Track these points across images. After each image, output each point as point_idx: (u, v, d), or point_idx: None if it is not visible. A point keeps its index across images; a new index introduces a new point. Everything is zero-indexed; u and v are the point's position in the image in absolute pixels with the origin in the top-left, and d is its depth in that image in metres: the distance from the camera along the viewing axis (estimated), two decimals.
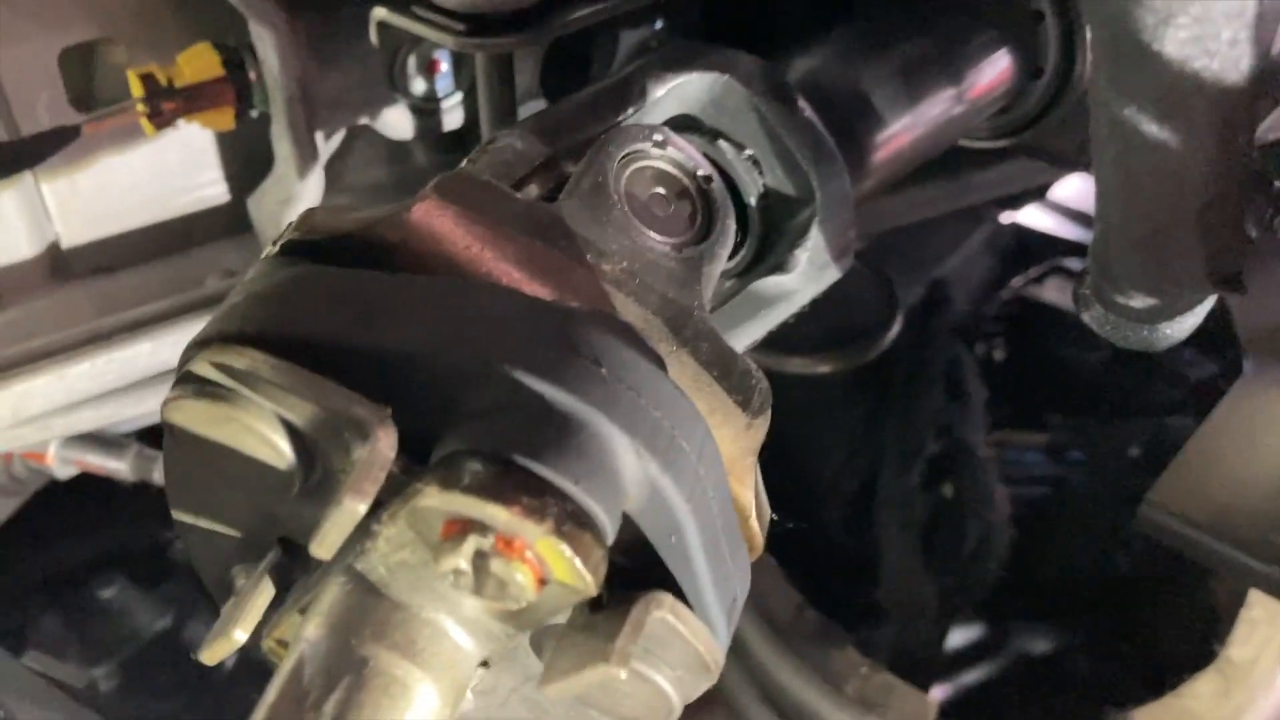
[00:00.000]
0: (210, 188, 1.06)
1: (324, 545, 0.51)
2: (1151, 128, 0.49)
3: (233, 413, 0.54)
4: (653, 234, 0.69)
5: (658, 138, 0.73)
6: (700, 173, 0.74)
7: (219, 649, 0.63)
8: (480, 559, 0.51)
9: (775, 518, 0.71)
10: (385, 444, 0.50)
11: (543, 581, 0.52)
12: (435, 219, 0.62)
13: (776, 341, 0.93)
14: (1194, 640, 1.25)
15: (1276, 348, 1.32)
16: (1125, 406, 1.54)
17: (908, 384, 1.40)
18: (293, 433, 0.54)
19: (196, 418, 0.55)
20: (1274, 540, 1.09)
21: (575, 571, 0.51)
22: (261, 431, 0.54)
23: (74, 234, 1.02)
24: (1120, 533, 1.37)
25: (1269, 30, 0.49)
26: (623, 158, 0.72)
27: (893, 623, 1.33)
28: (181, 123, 0.94)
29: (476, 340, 0.54)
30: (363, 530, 0.53)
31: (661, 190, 0.72)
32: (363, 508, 0.49)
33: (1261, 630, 1.21)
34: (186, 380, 0.56)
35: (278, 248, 0.62)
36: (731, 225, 0.74)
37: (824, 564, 1.34)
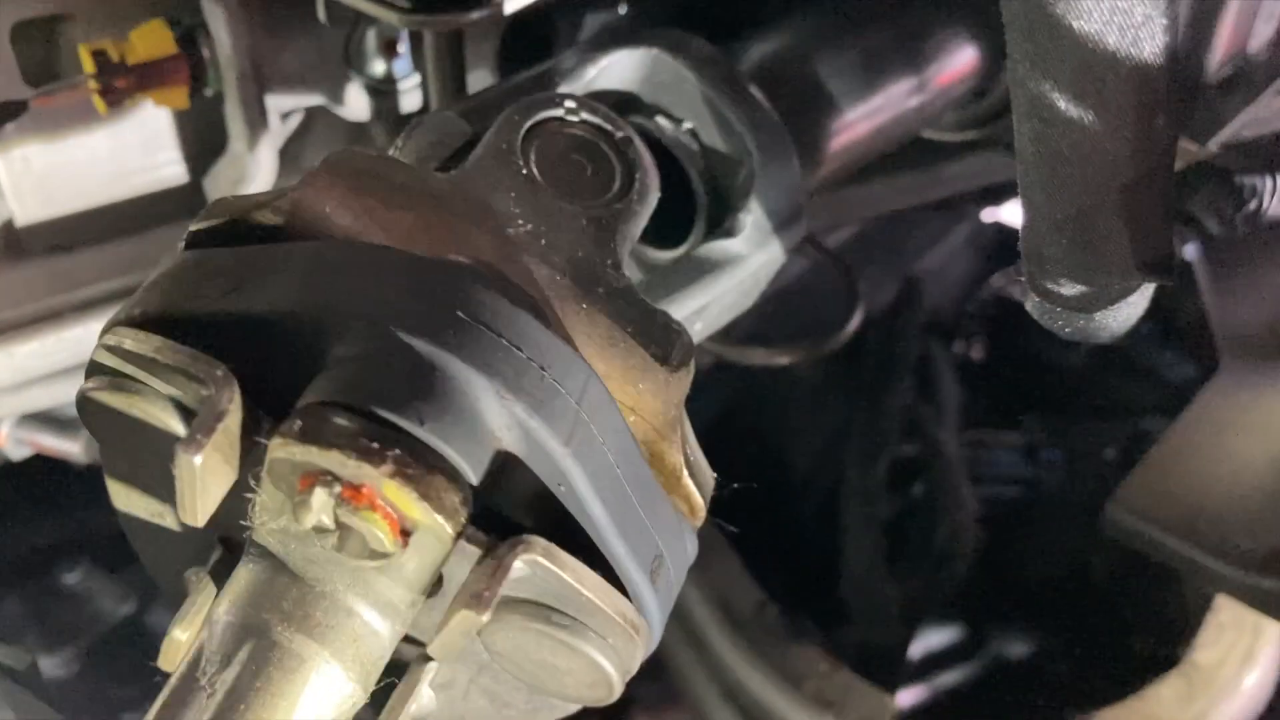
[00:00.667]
0: (168, 168, 1.05)
1: (185, 511, 0.50)
2: (1067, 106, 0.47)
3: (130, 399, 0.53)
4: (565, 197, 0.68)
5: (570, 104, 0.73)
6: (619, 135, 0.73)
7: (168, 651, 0.62)
8: (343, 515, 0.50)
9: (721, 523, 0.70)
10: (224, 398, 0.50)
11: (405, 534, 0.51)
12: (322, 194, 0.61)
13: (737, 333, 0.92)
14: (1163, 643, 1.25)
15: (1253, 350, 1.31)
16: (1102, 408, 1.53)
17: (876, 381, 1.39)
18: (189, 416, 0.53)
19: (102, 405, 0.54)
20: (1241, 544, 1.08)
21: (428, 514, 0.50)
22: (154, 412, 0.53)
23: (29, 211, 1.01)
24: (1093, 534, 1.35)
25: (1184, 10, 0.48)
26: (534, 125, 0.71)
27: (857, 622, 1.32)
28: (137, 101, 0.93)
29: (327, 294, 0.53)
30: (235, 496, 0.52)
31: (577, 156, 0.71)
32: (197, 459, 0.48)
33: (1228, 634, 1.20)
34: (94, 370, 0.55)
35: (186, 237, 0.61)
36: (650, 183, 0.72)
37: (790, 560, 1.33)
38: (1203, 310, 1.44)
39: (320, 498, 0.49)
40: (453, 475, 0.51)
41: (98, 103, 0.92)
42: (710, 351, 1.12)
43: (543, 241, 0.64)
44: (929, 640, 1.45)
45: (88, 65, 0.91)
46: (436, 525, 0.50)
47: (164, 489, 0.62)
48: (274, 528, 0.54)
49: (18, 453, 1.05)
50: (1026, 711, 1.35)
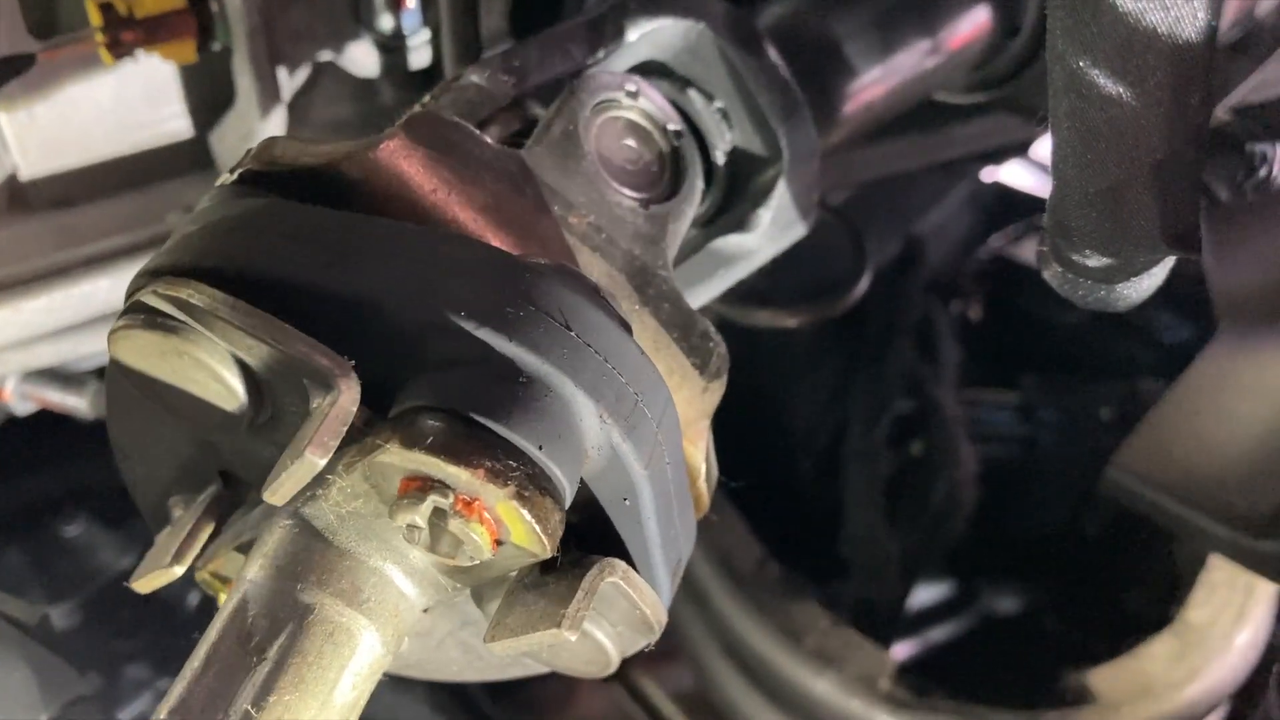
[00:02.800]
0: (173, 122, 1.04)
1: (278, 494, 0.50)
2: (1106, 82, 0.48)
3: (184, 347, 0.53)
4: (621, 188, 0.68)
5: (630, 88, 0.72)
6: (671, 127, 0.73)
7: (155, 579, 0.62)
8: (438, 516, 0.50)
9: (724, 479, 0.71)
10: (348, 398, 0.50)
11: (499, 542, 0.52)
12: (401, 159, 0.61)
13: (744, 294, 0.92)
14: (1156, 602, 1.26)
15: (1250, 312, 1.32)
16: (1099, 368, 1.54)
17: (878, 340, 1.39)
18: (245, 371, 0.53)
19: (145, 349, 0.54)
20: (1239, 507, 1.10)
21: (533, 535, 0.51)
22: (214, 369, 0.53)
23: (33, 166, 1.00)
24: (1088, 493, 1.37)
25: None
26: (594, 106, 0.70)
27: (856, 578, 1.34)
28: (142, 54, 0.92)
29: (444, 292, 0.52)
30: (316, 479, 0.52)
31: (631, 143, 0.71)
32: (323, 461, 0.49)
33: (1220, 593, 1.22)
34: (136, 310, 0.55)
35: (235, 176, 0.60)
36: (699, 184, 0.73)
37: (791, 518, 1.34)
38: (1201, 272, 1.45)
39: (429, 505, 0.50)
40: (558, 498, 0.52)
41: (104, 56, 0.91)
42: (713, 311, 1.12)
43: (602, 235, 0.64)
44: (921, 595, 1.46)
45: (95, 18, 0.90)
46: (539, 546, 0.51)
47: (187, 435, 0.62)
48: (345, 510, 0.54)
49: (22, 408, 1.05)
50: (1018, 667, 1.37)
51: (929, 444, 1.39)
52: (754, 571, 1.21)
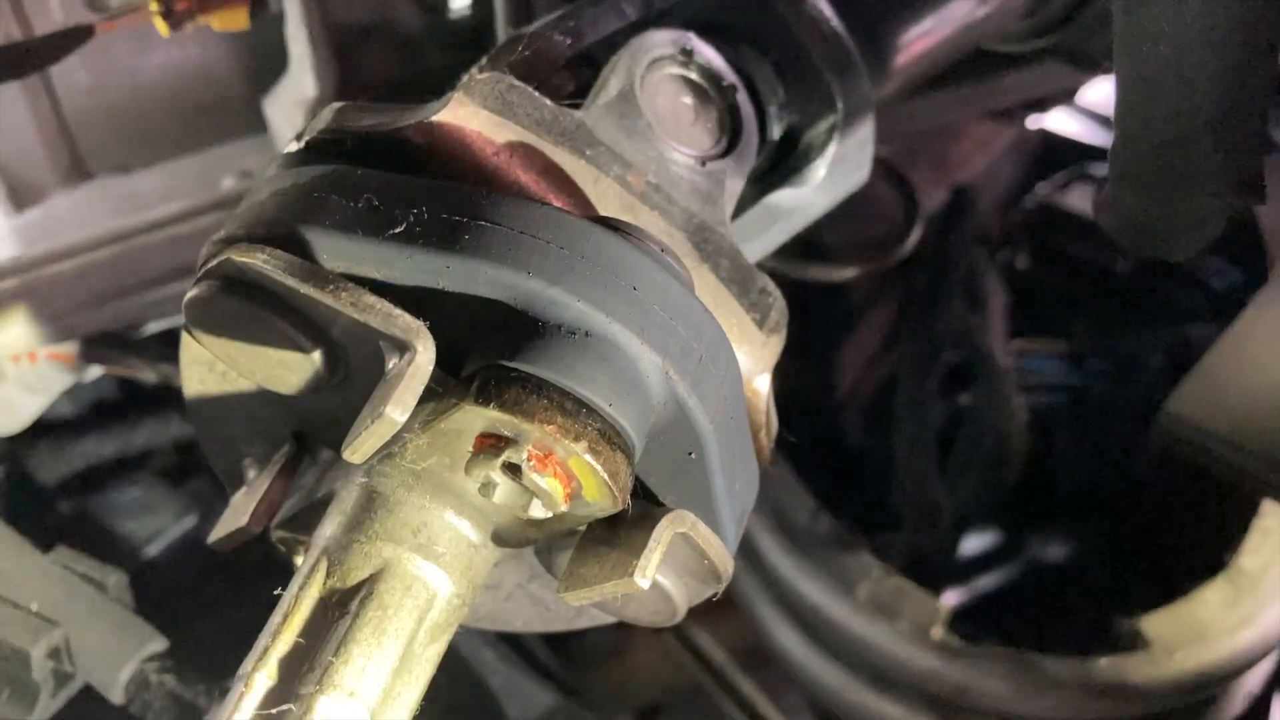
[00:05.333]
0: (226, 88, 1.05)
1: (358, 452, 0.52)
2: (1172, 32, 0.48)
3: (260, 312, 0.54)
4: (678, 146, 0.68)
5: (685, 45, 0.72)
6: (725, 83, 0.73)
7: (233, 538, 0.64)
8: (512, 471, 0.52)
9: (783, 431, 0.72)
10: (425, 357, 0.51)
11: (571, 496, 0.53)
12: (464, 123, 0.62)
13: (795, 248, 0.93)
14: (1207, 549, 1.26)
15: None
16: (1148, 315, 1.53)
17: (928, 292, 1.39)
18: (320, 335, 0.55)
19: (221, 314, 0.56)
20: None
21: (605, 489, 0.53)
22: (289, 332, 0.54)
23: (90, 135, 1.02)
24: (1138, 441, 1.36)
25: None
26: (649, 65, 0.71)
27: (907, 529, 1.34)
28: (198, 23, 0.93)
29: (511, 254, 0.53)
30: (393, 438, 0.54)
31: (687, 100, 0.71)
32: (403, 419, 0.50)
33: (1273, 540, 1.22)
34: (212, 275, 0.56)
35: (303, 143, 0.61)
36: (755, 140, 0.73)
37: (841, 470, 1.35)
38: (1251, 216, 1.43)
39: (504, 460, 0.51)
40: (629, 452, 0.53)
41: (160, 25, 0.92)
42: (765, 266, 1.13)
43: (661, 194, 0.65)
44: (971, 544, 1.47)
45: None
46: (611, 499, 0.53)
47: (260, 397, 0.64)
48: (420, 466, 0.56)
49: (88, 372, 1.08)
50: (1070, 615, 1.38)
51: (978, 395, 1.39)
52: (806, 523, 1.22)
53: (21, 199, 0.99)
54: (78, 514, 1.33)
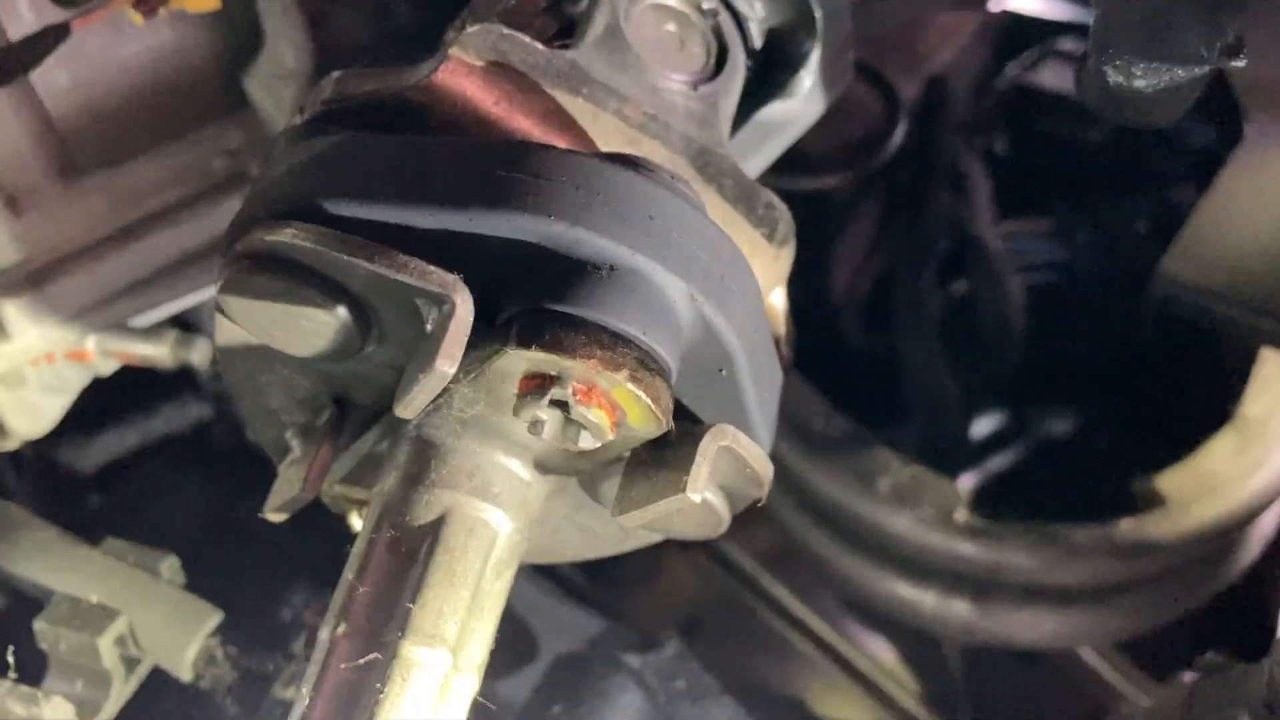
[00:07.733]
0: (205, 69, 1.05)
1: (411, 407, 0.54)
2: None
3: (293, 286, 0.56)
4: (669, 74, 0.70)
5: None
6: (706, 6, 0.74)
7: (289, 505, 0.67)
8: (559, 408, 0.55)
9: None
10: (464, 309, 0.54)
11: (617, 424, 0.56)
12: (462, 78, 0.63)
13: (784, 162, 0.94)
14: (1209, 405, 1.29)
15: (1277, 103, 1.32)
16: (1129, 182, 1.55)
17: (915, 186, 1.40)
18: (353, 300, 0.57)
19: (255, 294, 0.57)
20: None
21: (650, 414, 0.55)
22: (323, 302, 0.56)
23: (76, 131, 1.02)
24: (1132, 308, 1.39)
25: None
26: None
27: (917, 419, 1.37)
28: (171, 7, 0.94)
29: (529, 199, 0.55)
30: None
31: (671, 27, 0.73)
32: (453, 370, 0.52)
33: (1274, 386, 1.25)
34: (242, 256, 0.58)
35: (309, 115, 0.63)
36: (743, 58, 0.75)
37: (846, 371, 1.37)
38: (1223, 74, 1.44)
39: (551, 398, 0.54)
40: (667, 376, 0.56)
41: (133, 15, 0.92)
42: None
43: (659, 123, 0.67)
44: (981, 426, 1.50)
45: None
46: (655, 423, 0.56)
47: (299, 368, 0.66)
48: (467, 415, 0.59)
49: (106, 366, 1.09)
50: (1085, 484, 1.41)
51: (973, 281, 1.41)
52: (821, 426, 1.25)
53: (18, 204, 0.99)
54: (110, 504, 1.35)
